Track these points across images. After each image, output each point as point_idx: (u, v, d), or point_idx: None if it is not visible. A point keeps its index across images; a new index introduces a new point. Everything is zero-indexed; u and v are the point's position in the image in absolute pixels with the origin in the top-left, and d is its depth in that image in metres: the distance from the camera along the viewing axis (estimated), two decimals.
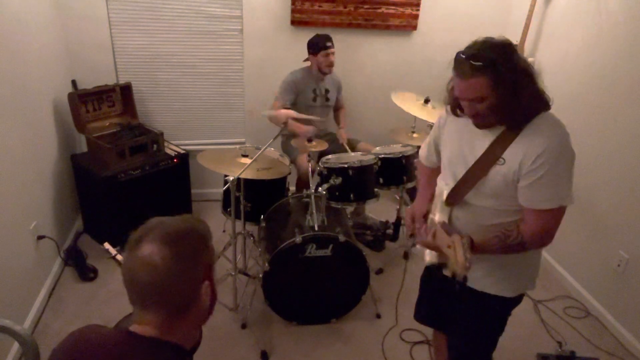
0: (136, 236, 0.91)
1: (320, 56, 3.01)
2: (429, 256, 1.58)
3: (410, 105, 2.95)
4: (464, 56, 1.28)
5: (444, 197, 1.51)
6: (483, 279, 1.52)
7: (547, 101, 1.36)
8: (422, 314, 1.90)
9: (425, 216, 1.68)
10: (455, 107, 1.46)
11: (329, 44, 3.00)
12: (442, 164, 1.61)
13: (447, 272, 1.29)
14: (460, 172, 1.46)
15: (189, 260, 0.91)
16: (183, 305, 0.92)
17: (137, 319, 0.92)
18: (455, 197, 1.49)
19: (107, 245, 1.69)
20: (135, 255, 0.89)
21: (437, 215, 1.54)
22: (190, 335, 0.99)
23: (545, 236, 1.38)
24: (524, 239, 1.36)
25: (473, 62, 1.26)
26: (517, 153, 1.33)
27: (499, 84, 1.27)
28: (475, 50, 1.27)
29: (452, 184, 1.50)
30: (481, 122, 1.39)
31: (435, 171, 1.74)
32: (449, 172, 1.54)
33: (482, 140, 1.41)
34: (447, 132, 1.57)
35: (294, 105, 3.03)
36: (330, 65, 3.05)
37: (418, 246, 1.72)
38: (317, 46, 3.01)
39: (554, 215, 1.35)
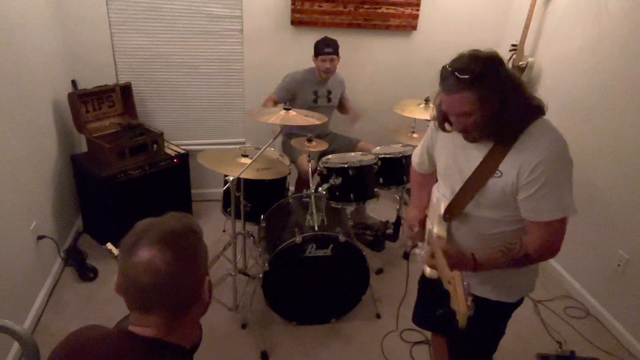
0: (131, 241, 0.89)
1: (318, 60, 3.01)
2: (429, 269, 1.57)
3: (411, 110, 2.95)
4: (450, 69, 1.25)
5: (442, 211, 1.49)
6: (482, 285, 1.50)
7: (541, 107, 1.32)
8: (421, 318, 1.90)
9: (423, 221, 1.66)
10: (443, 122, 1.43)
11: (327, 50, 2.96)
12: (438, 174, 1.58)
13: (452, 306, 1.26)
14: (457, 185, 1.43)
15: (191, 259, 0.91)
16: (186, 303, 0.93)
17: (137, 322, 0.92)
18: (452, 211, 1.46)
19: (109, 245, 1.68)
20: (133, 260, 0.87)
21: (436, 228, 1.51)
22: (190, 333, 0.99)
23: (550, 248, 1.36)
24: (528, 251, 1.34)
25: (459, 76, 1.23)
26: (514, 165, 1.30)
27: (485, 98, 1.23)
28: (462, 64, 1.24)
29: (449, 196, 1.47)
30: (470, 137, 1.36)
31: (428, 177, 1.72)
32: (445, 184, 1.52)
33: (477, 152, 1.38)
34: (441, 142, 1.54)
35: (291, 103, 3.02)
36: (326, 71, 3.02)
37: (418, 250, 1.71)
38: (316, 50, 3.00)
39: (558, 227, 1.32)
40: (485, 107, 1.25)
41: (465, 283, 1.20)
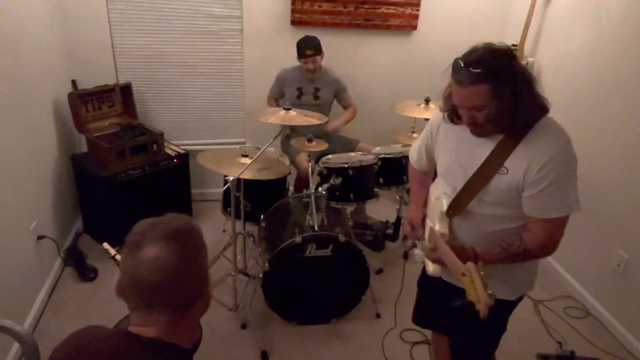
0: (134, 239, 0.89)
1: (301, 62, 3.03)
2: (432, 267, 1.56)
3: (412, 110, 2.95)
4: (463, 62, 1.24)
5: (444, 208, 1.48)
6: None
7: (546, 106, 1.33)
8: (421, 317, 1.90)
9: (423, 220, 1.66)
10: (452, 114, 1.42)
11: (308, 52, 2.97)
12: (439, 171, 1.57)
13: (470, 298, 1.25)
14: (460, 182, 1.43)
15: (195, 257, 0.93)
16: (190, 300, 0.93)
17: (139, 321, 0.92)
18: (456, 209, 1.46)
19: (106, 245, 1.68)
20: (139, 258, 0.87)
21: (437, 225, 1.51)
22: (191, 333, 0.99)
23: (550, 245, 1.37)
24: (527, 248, 1.34)
25: (473, 70, 1.22)
26: (521, 162, 1.30)
27: (498, 92, 1.23)
28: (476, 57, 1.23)
29: (451, 194, 1.47)
30: (479, 131, 1.35)
31: (427, 174, 1.72)
32: (446, 181, 1.51)
33: (482, 148, 1.38)
34: (442, 139, 1.54)
35: (281, 99, 3.19)
36: (308, 72, 3.05)
37: (417, 250, 1.71)
38: (298, 52, 3.01)
39: (560, 224, 1.33)
40: (497, 102, 1.25)
41: (482, 272, 1.19)
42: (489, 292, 1.16)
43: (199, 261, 0.94)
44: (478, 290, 1.17)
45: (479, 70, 1.21)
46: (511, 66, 1.24)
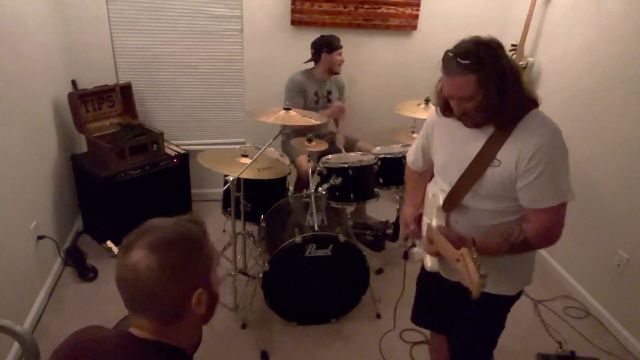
0: (128, 241, 0.90)
1: (334, 55, 3.03)
2: (430, 262, 1.56)
3: (412, 110, 2.96)
4: (451, 54, 1.29)
5: (440, 202, 1.49)
6: None
7: (535, 99, 1.37)
8: (420, 316, 1.90)
9: (419, 218, 1.67)
10: (445, 107, 1.46)
11: (340, 44, 3.05)
12: (435, 168, 1.60)
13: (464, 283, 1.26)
14: (455, 177, 1.45)
15: (176, 271, 0.88)
16: (172, 313, 0.91)
17: (133, 323, 0.93)
18: (451, 202, 1.47)
19: (109, 243, 1.68)
20: (124, 261, 0.89)
21: (434, 221, 1.52)
22: (190, 337, 0.98)
23: (550, 234, 1.37)
24: (527, 237, 1.35)
25: (460, 60, 1.26)
26: (512, 153, 1.33)
27: (485, 82, 1.27)
28: (463, 49, 1.28)
29: (447, 189, 1.48)
30: (470, 122, 1.39)
31: (423, 174, 1.74)
32: (443, 178, 1.53)
33: (475, 141, 1.41)
34: (438, 137, 1.57)
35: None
36: (341, 64, 3.09)
37: (416, 248, 1.71)
38: (333, 45, 3.02)
39: (557, 213, 1.34)
40: (485, 91, 1.28)
41: (474, 256, 1.21)
42: (482, 272, 1.17)
43: (179, 276, 0.89)
44: (470, 272, 1.18)
45: (466, 62, 1.26)
46: (498, 57, 1.28)
